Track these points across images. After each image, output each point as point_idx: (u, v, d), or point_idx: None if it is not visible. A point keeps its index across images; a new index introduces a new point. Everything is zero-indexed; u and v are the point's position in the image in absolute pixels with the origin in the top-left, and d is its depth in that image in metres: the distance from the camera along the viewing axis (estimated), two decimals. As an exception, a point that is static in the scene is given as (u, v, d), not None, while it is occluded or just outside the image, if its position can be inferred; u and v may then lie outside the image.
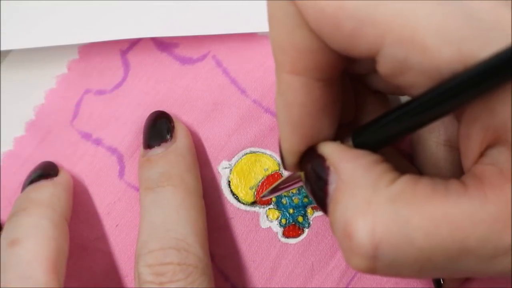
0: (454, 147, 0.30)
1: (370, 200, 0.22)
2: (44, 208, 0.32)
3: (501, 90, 0.21)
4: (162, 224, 0.31)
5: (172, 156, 0.33)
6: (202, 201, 0.33)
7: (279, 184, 0.32)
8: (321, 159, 0.25)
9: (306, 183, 0.26)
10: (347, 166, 0.24)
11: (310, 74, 0.24)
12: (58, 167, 0.34)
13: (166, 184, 0.32)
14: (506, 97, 0.21)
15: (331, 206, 0.24)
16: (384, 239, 0.21)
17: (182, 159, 0.33)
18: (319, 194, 0.25)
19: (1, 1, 0.34)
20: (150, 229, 0.31)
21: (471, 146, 0.23)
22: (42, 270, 0.29)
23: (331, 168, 0.24)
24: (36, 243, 0.30)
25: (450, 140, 0.30)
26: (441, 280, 0.32)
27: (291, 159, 0.27)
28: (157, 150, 0.33)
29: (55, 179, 0.34)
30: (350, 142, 0.26)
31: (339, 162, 0.24)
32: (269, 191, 0.33)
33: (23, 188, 0.34)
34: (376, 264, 0.22)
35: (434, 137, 0.31)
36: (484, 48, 0.20)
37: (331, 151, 0.25)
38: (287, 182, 0.31)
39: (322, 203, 0.24)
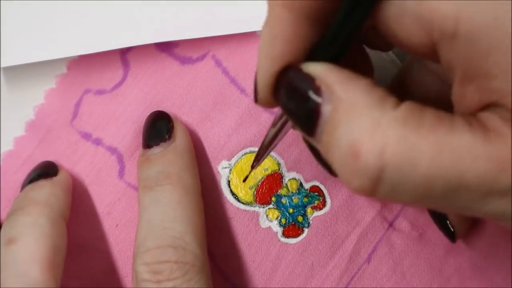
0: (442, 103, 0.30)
1: (379, 121, 0.21)
2: (42, 207, 0.32)
3: (495, 54, 0.21)
4: (160, 223, 0.31)
5: (170, 155, 0.33)
6: (200, 200, 0.33)
7: (264, 141, 0.30)
8: (309, 78, 0.23)
9: (287, 106, 0.25)
10: (346, 86, 0.23)
11: (303, 12, 0.24)
12: (57, 167, 0.34)
13: (165, 183, 0.32)
14: (500, 62, 0.21)
15: (328, 127, 0.23)
16: (391, 162, 0.21)
17: (180, 158, 0.33)
18: (307, 116, 0.23)
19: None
20: (148, 227, 0.31)
21: (468, 103, 0.23)
22: (39, 269, 0.29)
23: (323, 88, 0.23)
24: (33, 242, 0.30)
25: (429, 99, 0.30)
26: (451, 228, 0.33)
27: (266, 83, 0.26)
28: (156, 150, 0.33)
29: (54, 178, 0.34)
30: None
31: (334, 82, 0.23)
32: (255, 160, 0.32)
33: (23, 187, 0.34)
34: (378, 187, 0.22)
35: (416, 94, 0.31)
36: (483, 12, 0.20)
37: (321, 70, 0.23)
38: (271, 136, 0.30)
39: (311, 125, 0.23)
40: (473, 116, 0.23)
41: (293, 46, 0.24)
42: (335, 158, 0.22)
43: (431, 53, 0.23)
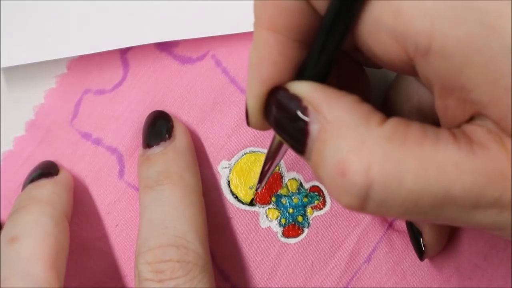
0: (427, 116, 0.30)
1: (364, 139, 0.22)
2: (44, 206, 0.32)
3: (468, 69, 0.21)
4: (161, 222, 0.31)
5: (171, 154, 0.33)
6: (201, 199, 0.33)
7: (264, 165, 0.31)
8: (296, 98, 0.24)
9: (278, 126, 0.25)
10: (331, 105, 0.23)
11: (288, 34, 0.24)
12: (58, 166, 0.34)
13: (165, 182, 0.32)
14: (474, 77, 0.21)
15: (316, 146, 0.23)
16: (377, 178, 0.22)
17: (181, 157, 0.33)
18: (296, 136, 0.24)
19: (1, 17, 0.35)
20: (149, 226, 0.31)
21: (451, 114, 0.23)
22: (42, 267, 0.29)
23: (310, 108, 0.23)
24: (35, 240, 0.30)
25: (423, 109, 0.31)
26: (423, 247, 0.33)
27: (256, 106, 0.26)
28: (156, 149, 0.33)
29: (56, 177, 0.34)
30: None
31: (320, 102, 0.23)
32: (259, 182, 0.33)
33: (24, 187, 0.34)
34: (367, 203, 0.22)
35: (407, 106, 0.31)
36: (456, 28, 0.21)
37: (307, 90, 0.24)
38: (269, 159, 0.30)
39: (300, 144, 0.24)
40: (459, 128, 0.23)
41: (281, 68, 0.25)
42: (324, 176, 0.23)
43: (410, 69, 0.23)
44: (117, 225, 0.35)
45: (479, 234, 0.36)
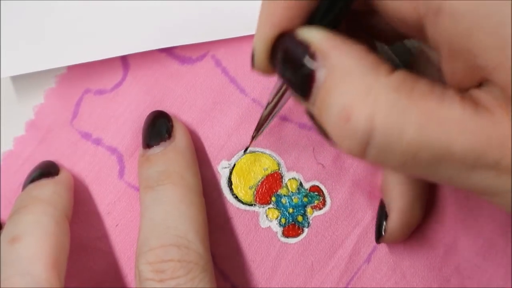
0: None
1: (372, 86, 0.22)
2: (45, 205, 0.32)
3: (477, 33, 0.21)
4: (162, 222, 0.31)
5: (171, 154, 0.33)
6: (202, 198, 0.33)
7: (264, 112, 0.31)
8: (304, 44, 0.24)
9: (282, 71, 0.25)
10: (340, 52, 0.23)
11: None
12: (58, 166, 0.34)
13: (166, 182, 0.32)
14: (482, 41, 0.21)
15: (322, 92, 0.23)
16: (379, 126, 0.22)
17: (181, 157, 0.33)
18: (302, 81, 0.24)
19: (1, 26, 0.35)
20: (150, 226, 0.31)
21: (458, 79, 0.24)
22: (42, 267, 0.29)
23: (318, 54, 0.24)
24: (36, 240, 0.30)
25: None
26: (383, 231, 0.33)
27: (263, 49, 0.26)
28: (156, 149, 0.33)
29: (56, 177, 0.34)
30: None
31: (329, 48, 0.24)
32: (256, 129, 0.33)
33: (24, 187, 0.34)
34: (367, 149, 0.23)
35: None
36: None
37: (316, 36, 0.24)
38: (270, 107, 0.31)
39: (305, 89, 0.24)
40: (467, 92, 0.23)
41: (292, 13, 0.25)
42: (328, 120, 0.23)
43: (419, 30, 0.24)
44: (117, 225, 0.35)
45: (479, 234, 0.36)
